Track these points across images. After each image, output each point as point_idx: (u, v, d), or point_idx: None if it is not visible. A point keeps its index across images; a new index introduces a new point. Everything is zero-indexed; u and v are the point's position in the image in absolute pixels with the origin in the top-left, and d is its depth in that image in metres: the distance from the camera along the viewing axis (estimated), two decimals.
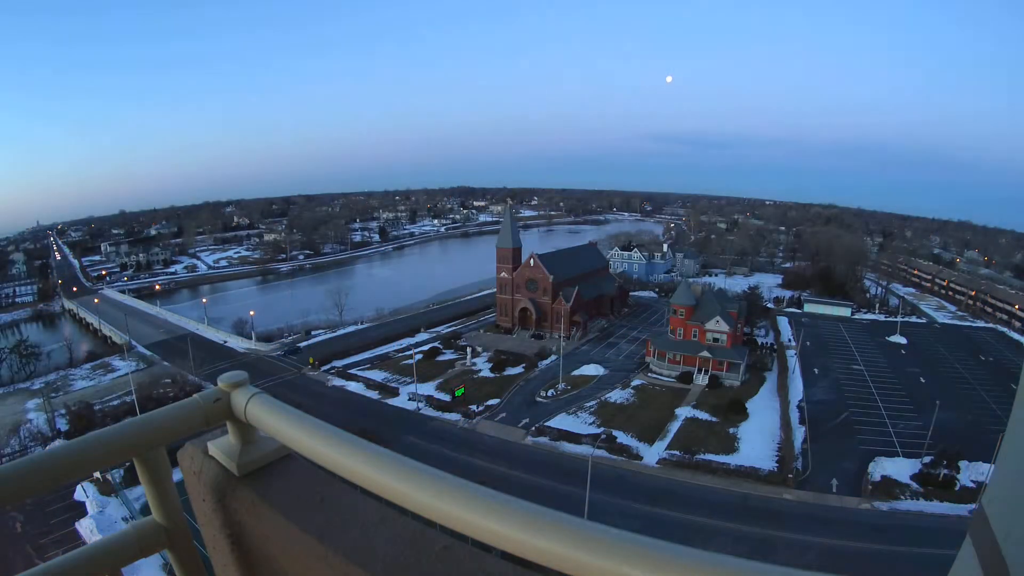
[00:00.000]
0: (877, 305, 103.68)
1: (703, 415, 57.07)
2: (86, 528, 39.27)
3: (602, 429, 52.93)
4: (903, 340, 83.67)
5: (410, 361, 69.14)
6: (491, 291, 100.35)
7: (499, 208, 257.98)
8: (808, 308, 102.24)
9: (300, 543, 1.30)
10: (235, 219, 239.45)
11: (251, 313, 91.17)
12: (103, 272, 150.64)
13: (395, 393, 63.20)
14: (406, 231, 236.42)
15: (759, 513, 40.84)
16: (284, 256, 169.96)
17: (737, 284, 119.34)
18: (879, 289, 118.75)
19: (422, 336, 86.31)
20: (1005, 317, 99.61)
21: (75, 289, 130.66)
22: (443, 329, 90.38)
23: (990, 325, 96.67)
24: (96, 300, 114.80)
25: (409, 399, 61.51)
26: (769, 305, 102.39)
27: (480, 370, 70.07)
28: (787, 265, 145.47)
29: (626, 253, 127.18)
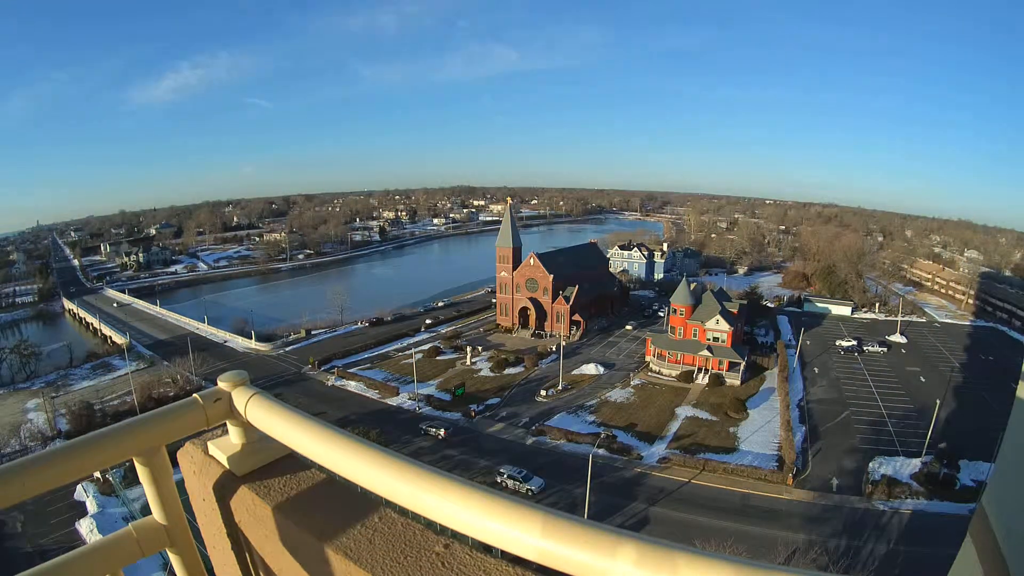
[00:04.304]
0: (877, 304, 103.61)
1: (703, 414, 57.12)
2: (86, 528, 39.32)
3: (602, 428, 52.99)
4: (903, 339, 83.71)
5: (410, 360, 69.19)
6: (491, 290, 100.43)
7: (499, 207, 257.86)
8: (808, 307, 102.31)
9: (300, 543, 1.30)
10: (235, 219, 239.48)
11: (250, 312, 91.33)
12: (102, 273, 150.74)
13: (395, 392, 63.24)
14: (406, 230, 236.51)
15: (759, 512, 40.88)
16: (284, 256, 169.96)
17: (737, 283, 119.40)
18: (879, 288, 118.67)
19: (422, 335, 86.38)
20: (1005, 316, 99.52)
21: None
22: (443, 328, 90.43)
23: (990, 324, 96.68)
24: (96, 300, 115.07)
25: (409, 399, 61.55)
26: (769, 304, 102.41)
27: (480, 369, 70.11)
28: (787, 264, 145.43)
29: (626, 252, 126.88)
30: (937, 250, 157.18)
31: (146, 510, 1.60)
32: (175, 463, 1.58)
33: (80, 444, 1.30)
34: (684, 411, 58.09)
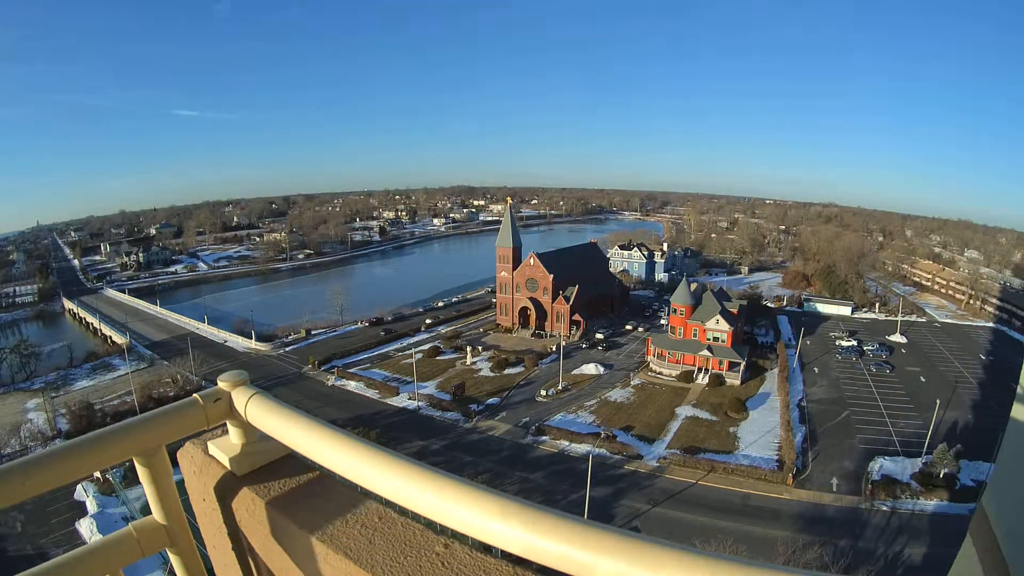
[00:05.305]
0: (877, 304, 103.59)
1: (703, 414, 57.11)
2: (86, 528, 39.34)
3: (602, 428, 52.99)
4: (903, 339, 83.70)
5: (410, 360, 69.19)
6: (492, 290, 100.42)
7: (499, 207, 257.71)
8: (808, 307, 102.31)
9: (300, 543, 1.30)
10: (235, 219, 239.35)
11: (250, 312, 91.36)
12: (102, 273, 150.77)
13: (395, 392, 63.25)
14: (406, 230, 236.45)
15: (759, 512, 40.90)
16: (284, 256, 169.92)
17: (737, 283, 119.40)
18: (879, 288, 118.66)
19: (422, 335, 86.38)
20: (1005, 316, 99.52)
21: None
22: (443, 328, 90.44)
23: (990, 324, 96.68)
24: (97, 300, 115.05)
25: (409, 398, 61.56)
26: (769, 304, 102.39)
27: (480, 369, 70.11)
28: (787, 264, 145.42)
29: (626, 252, 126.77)
30: (937, 250, 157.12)
31: (146, 510, 1.60)
32: (175, 463, 1.58)
33: (80, 444, 1.31)
34: (684, 411, 58.09)
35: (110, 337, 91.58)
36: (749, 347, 71.92)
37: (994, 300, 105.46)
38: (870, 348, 77.63)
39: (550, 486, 44.07)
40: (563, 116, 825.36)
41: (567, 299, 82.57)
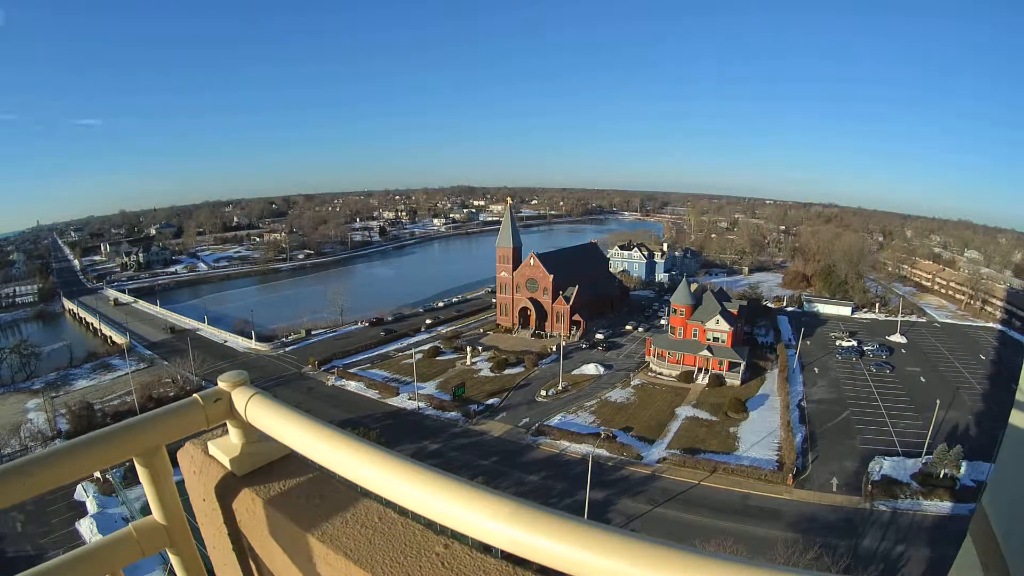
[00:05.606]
0: (877, 304, 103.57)
1: (703, 414, 57.10)
2: (86, 528, 39.34)
3: (602, 428, 52.97)
4: (903, 339, 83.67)
5: (410, 360, 69.18)
6: (492, 290, 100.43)
7: (499, 207, 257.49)
8: (808, 307, 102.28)
9: (300, 543, 1.30)
10: (235, 219, 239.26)
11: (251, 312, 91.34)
12: (102, 273, 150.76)
13: (395, 392, 63.24)
14: (406, 230, 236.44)
15: (759, 512, 40.89)
16: (284, 256, 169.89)
17: (737, 283, 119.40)
18: (879, 288, 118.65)
19: (422, 335, 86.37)
20: (1005, 317, 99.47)
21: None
22: (443, 328, 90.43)
23: (990, 324, 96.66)
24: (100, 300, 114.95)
25: (409, 398, 61.55)
26: (769, 304, 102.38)
27: (480, 369, 70.10)
28: (787, 264, 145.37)
29: (626, 252, 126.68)
30: (937, 250, 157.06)
31: (146, 510, 1.60)
32: (175, 463, 1.58)
33: (80, 444, 1.30)
34: (684, 411, 58.08)
35: (110, 337, 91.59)
36: (749, 347, 71.90)
37: (994, 300, 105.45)
38: (870, 348, 77.56)
39: (549, 487, 44.06)
40: (563, 117, 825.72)
41: (567, 299, 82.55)
